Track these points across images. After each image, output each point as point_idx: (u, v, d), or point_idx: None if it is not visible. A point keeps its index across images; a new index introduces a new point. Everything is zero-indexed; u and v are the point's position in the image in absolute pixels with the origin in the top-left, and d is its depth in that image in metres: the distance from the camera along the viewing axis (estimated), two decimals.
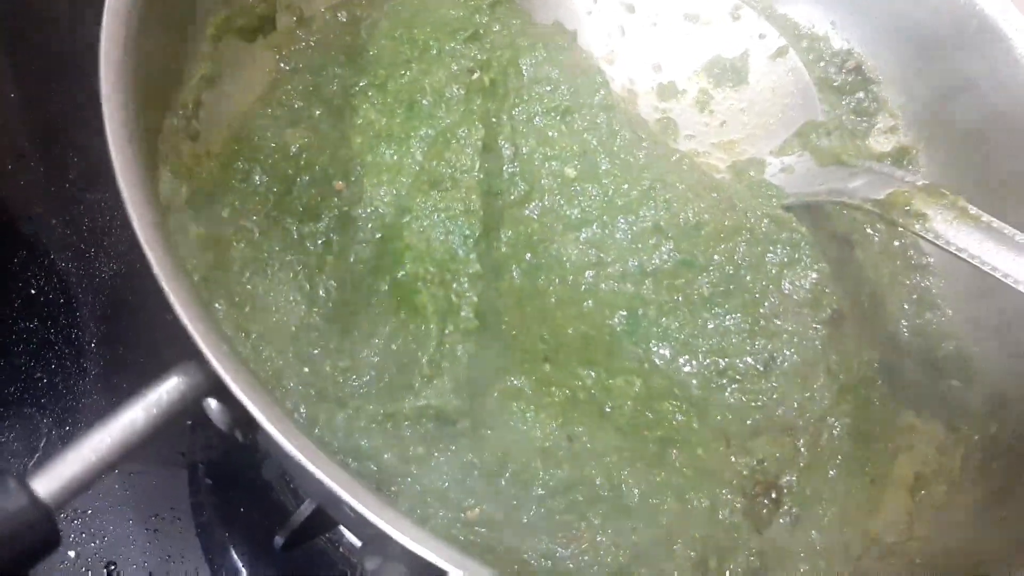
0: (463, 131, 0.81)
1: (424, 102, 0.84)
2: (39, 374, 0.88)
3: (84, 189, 0.96)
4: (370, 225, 0.79)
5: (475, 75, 0.85)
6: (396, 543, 0.47)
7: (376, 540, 0.52)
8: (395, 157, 0.82)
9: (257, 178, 0.79)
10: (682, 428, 0.77)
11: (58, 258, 0.92)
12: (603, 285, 0.82)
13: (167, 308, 0.91)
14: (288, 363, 0.70)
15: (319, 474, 0.44)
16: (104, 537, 0.82)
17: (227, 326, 0.69)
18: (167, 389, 0.49)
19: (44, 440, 0.85)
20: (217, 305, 0.70)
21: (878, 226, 0.93)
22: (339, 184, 0.81)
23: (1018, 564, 0.61)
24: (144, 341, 0.91)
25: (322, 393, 0.69)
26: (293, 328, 0.72)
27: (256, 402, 0.47)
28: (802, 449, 0.79)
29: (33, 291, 0.90)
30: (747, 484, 0.76)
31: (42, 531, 0.42)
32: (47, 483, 0.43)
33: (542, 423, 0.73)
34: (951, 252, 0.76)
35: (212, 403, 0.54)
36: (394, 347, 0.72)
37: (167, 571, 0.82)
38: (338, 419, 0.67)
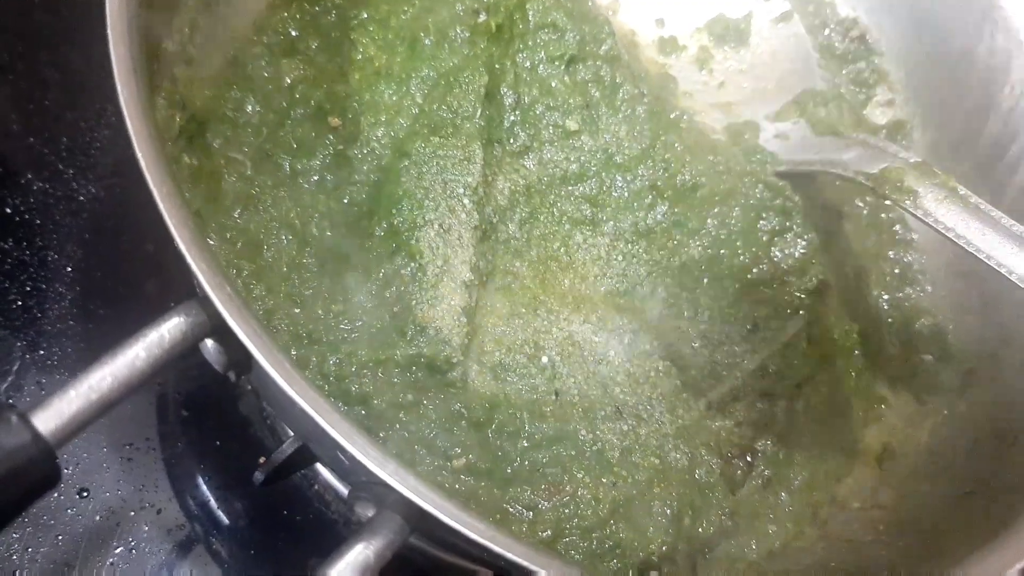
0: (467, 76, 0.79)
1: (427, 41, 0.81)
2: (13, 296, 0.85)
3: (64, 107, 0.92)
4: (366, 167, 0.77)
5: (481, 17, 0.82)
6: (395, 491, 0.47)
7: (369, 488, 0.52)
8: (394, 97, 0.80)
9: (250, 108, 0.77)
10: (665, 387, 0.78)
11: (35, 178, 0.89)
12: (598, 240, 0.82)
13: (147, 237, 0.89)
14: (279, 303, 0.69)
15: (334, 433, 0.44)
16: (78, 463, 0.81)
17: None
18: (168, 328, 0.48)
19: (17, 364, 0.83)
20: (209, 239, 0.68)
21: (867, 198, 0.93)
22: (335, 121, 0.79)
23: (982, 540, 0.63)
24: (122, 268, 0.89)
25: (313, 336, 0.68)
26: (285, 268, 0.71)
27: (261, 348, 0.46)
28: (779, 415, 0.80)
29: (8, 210, 0.87)
30: (724, 446, 0.78)
31: (43, 468, 0.41)
32: (48, 420, 0.42)
33: (531, 375, 0.74)
34: (938, 231, 0.76)
35: (209, 343, 0.53)
36: (387, 294, 0.71)
37: (140, 499, 0.82)
38: (329, 363, 0.67)
